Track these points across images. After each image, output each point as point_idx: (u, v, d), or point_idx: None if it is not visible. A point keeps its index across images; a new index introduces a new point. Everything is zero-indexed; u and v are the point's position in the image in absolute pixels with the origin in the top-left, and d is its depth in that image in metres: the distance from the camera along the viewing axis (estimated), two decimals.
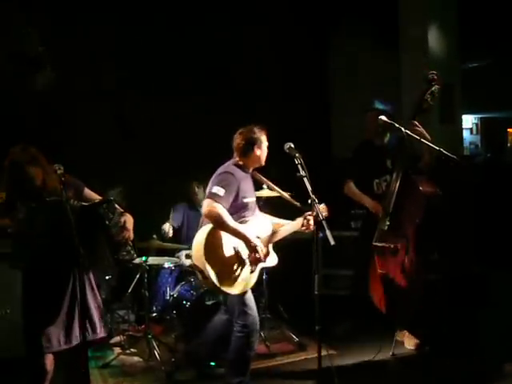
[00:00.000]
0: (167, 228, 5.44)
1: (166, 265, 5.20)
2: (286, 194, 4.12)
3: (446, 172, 4.62)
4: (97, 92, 6.24)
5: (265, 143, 3.88)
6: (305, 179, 3.44)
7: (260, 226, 3.88)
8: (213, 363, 4.47)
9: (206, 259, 3.58)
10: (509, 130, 11.35)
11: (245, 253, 3.70)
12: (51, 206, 3.43)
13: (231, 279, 3.62)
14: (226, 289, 3.60)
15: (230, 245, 3.66)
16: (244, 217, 3.79)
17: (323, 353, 3.29)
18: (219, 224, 3.62)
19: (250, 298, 3.79)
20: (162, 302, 5.15)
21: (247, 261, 3.70)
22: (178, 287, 5.03)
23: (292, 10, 7.13)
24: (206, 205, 3.62)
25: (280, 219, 4.09)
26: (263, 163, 3.93)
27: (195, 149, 6.50)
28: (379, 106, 4.71)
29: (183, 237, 5.76)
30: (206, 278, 3.54)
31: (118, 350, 5.00)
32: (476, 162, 7.21)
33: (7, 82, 5.83)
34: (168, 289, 5.16)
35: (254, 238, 3.72)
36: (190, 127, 6.53)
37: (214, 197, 3.62)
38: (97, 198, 3.67)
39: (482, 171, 6.94)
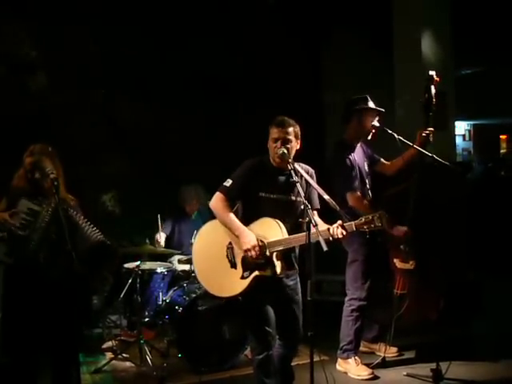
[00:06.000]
0: (159, 237, 5.45)
1: (159, 270, 5.18)
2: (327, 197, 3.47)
3: (439, 178, 4.64)
4: (90, 97, 6.24)
5: (273, 135, 3.55)
6: (298, 185, 3.40)
7: (270, 228, 3.47)
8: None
9: (194, 252, 3.65)
10: (501, 136, 11.42)
11: (237, 254, 3.51)
12: (53, 209, 3.47)
13: (216, 279, 3.56)
14: (209, 288, 3.59)
15: (223, 244, 3.55)
16: (260, 214, 3.50)
17: (316, 359, 3.28)
18: (216, 213, 3.59)
19: (260, 311, 3.53)
20: (155, 307, 5.13)
21: (239, 264, 3.51)
22: (171, 292, 5.02)
23: (284, 21, 7.15)
24: (214, 196, 3.62)
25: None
26: (275, 157, 3.53)
27: (189, 155, 6.52)
28: (372, 105, 4.53)
29: (175, 243, 5.77)
30: None
31: (109, 355, 4.98)
32: (471, 176, 7.24)
33: (1, 87, 5.83)
34: (160, 294, 5.14)
35: (249, 233, 3.44)
36: (184, 136, 6.55)
37: (220, 187, 3.60)
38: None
39: (477, 184, 7.01)
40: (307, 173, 3.60)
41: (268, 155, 3.65)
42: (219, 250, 3.56)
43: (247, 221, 3.54)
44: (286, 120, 3.59)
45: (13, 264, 3.47)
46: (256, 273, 3.47)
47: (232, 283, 3.50)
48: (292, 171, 3.43)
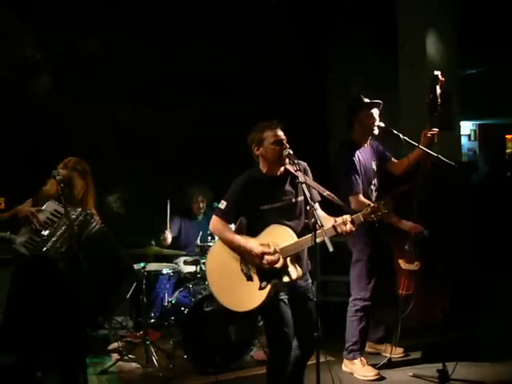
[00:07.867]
0: (167, 235, 5.46)
1: (165, 271, 5.20)
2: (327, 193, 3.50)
3: (445, 179, 4.63)
4: (94, 99, 6.25)
5: (273, 138, 3.47)
6: (303, 185, 3.39)
7: (280, 234, 3.47)
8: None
9: (208, 272, 3.62)
10: (507, 136, 11.37)
11: (252, 266, 3.48)
12: (76, 219, 3.52)
13: (235, 295, 3.51)
14: (230, 306, 3.53)
15: (236, 258, 3.51)
16: (266, 224, 3.48)
17: (322, 359, 3.28)
18: (219, 237, 3.60)
19: (279, 319, 3.47)
20: (161, 308, 5.15)
21: (255, 276, 3.47)
22: (177, 293, 5.02)
23: (288, 21, 7.16)
24: (212, 219, 3.61)
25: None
26: (280, 162, 3.47)
27: (191, 156, 6.52)
28: (367, 100, 4.51)
29: (181, 244, 5.78)
30: None
31: (116, 356, 4.99)
32: (477, 177, 7.22)
33: (5, 89, 5.85)
34: (166, 295, 5.16)
35: (256, 246, 3.42)
36: (186, 137, 6.56)
37: (216, 210, 3.60)
38: None
39: (483, 185, 6.99)
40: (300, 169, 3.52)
41: (256, 167, 3.60)
42: (233, 266, 3.51)
43: (254, 232, 3.53)
44: (275, 121, 3.56)
45: (24, 260, 3.51)
46: (273, 281, 3.44)
47: (251, 296, 3.46)
48: (298, 172, 3.39)
